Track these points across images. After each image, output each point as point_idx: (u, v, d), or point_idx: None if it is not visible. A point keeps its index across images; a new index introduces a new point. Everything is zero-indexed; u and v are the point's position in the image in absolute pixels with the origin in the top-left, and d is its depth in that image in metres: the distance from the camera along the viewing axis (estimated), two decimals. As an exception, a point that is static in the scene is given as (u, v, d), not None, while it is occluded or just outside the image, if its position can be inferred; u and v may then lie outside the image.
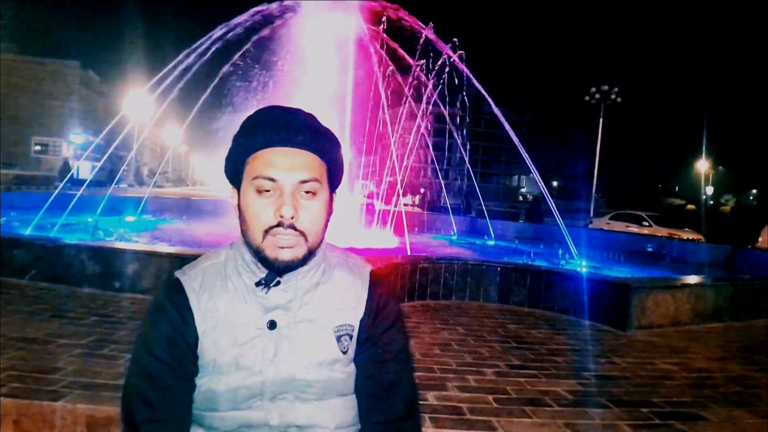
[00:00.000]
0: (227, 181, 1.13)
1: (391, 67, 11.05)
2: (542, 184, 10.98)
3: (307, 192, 1.05)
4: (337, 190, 1.16)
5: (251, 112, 1.12)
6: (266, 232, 1.03)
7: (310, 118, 1.11)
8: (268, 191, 1.04)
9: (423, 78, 10.96)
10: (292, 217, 1.02)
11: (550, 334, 4.53)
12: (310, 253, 1.08)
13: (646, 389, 3.28)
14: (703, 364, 3.94)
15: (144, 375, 1.08)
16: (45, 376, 2.70)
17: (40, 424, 2.37)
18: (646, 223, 18.57)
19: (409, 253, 6.92)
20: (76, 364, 2.92)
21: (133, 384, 1.09)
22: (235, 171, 1.10)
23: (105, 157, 12.10)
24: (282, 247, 1.03)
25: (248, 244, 1.08)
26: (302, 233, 1.04)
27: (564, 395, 3.07)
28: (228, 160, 1.11)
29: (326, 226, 1.10)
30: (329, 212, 1.11)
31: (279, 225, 1.02)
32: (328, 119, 1.16)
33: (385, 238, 9.55)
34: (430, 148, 12.34)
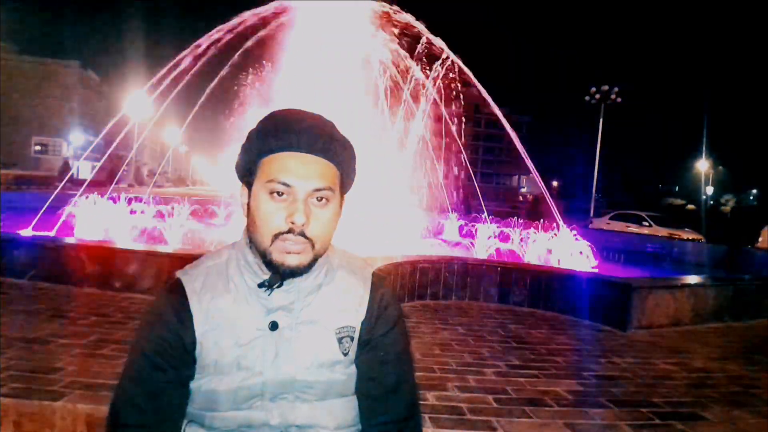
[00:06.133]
0: (237, 178, 1.12)
1: (392, 67, 11.03)
2: (542, 184, 10.98)
3: (319, 199, 1.05)
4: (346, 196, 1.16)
5: (255, 112, 1.11)
6: (275, 236, 1.03)
7: (329, 124, 1.10)
8: (281, 195, 1.03)
9: (423, 78, 10.94)
10: (303, 225, 1.02)
11: (551, 334, 4.53)
12: (316, 260, 1.08)
13: (646, 389, 3.28)
14: (703, 364, 3.94)
15: (133, 378, 1.06)
16: (45, 376, 2.70)
17: (40, 424, 2.37)
18: (647, 223, 18.55)
19: (409, 253, 6.90)
20: (76, 364, 2.92)
21: (122, 386, 1.07)
22: (247, 170, 1.09)
23: (105, 157, 12.10)
24: (289, 252, 1.03)
25: (254, 245, 1.07)
26: (311, 240, 1.04)
27: (564, 395, 3.07)
28: (241, 157, 1.09)
29: (334, 232, 1.10)
30: (338, 219, 1.11)
31: (289, 231, 1.02)
32: (332, 119, 1.14)
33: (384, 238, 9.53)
34: (430, 147, 12.32)
